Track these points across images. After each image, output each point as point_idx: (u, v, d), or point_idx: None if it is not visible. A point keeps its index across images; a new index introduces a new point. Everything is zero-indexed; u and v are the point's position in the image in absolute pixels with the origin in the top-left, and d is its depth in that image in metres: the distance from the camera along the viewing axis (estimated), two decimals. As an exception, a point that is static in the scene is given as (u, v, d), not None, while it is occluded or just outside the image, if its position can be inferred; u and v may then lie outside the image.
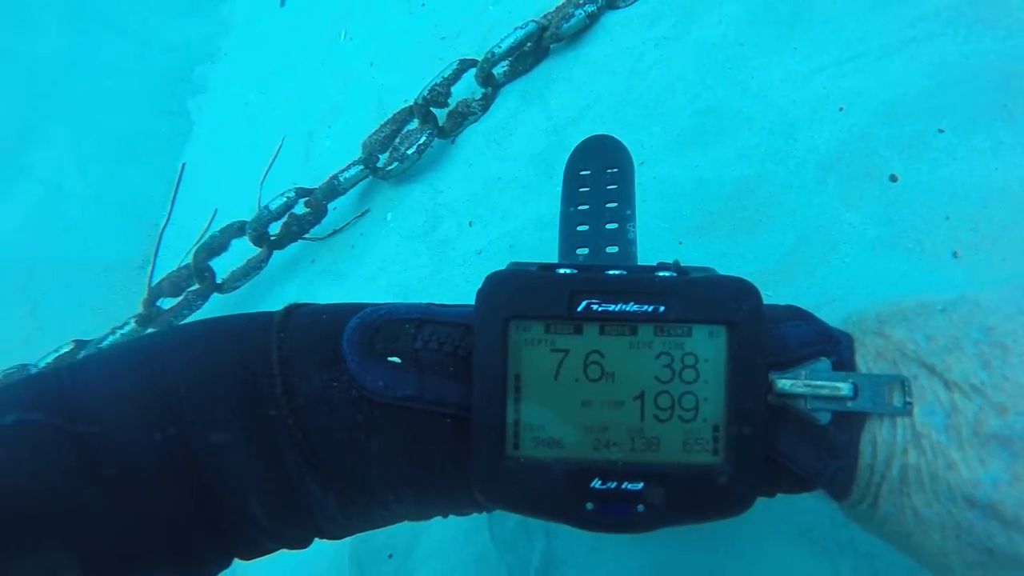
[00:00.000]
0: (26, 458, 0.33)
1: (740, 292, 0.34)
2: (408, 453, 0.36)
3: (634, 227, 0.52)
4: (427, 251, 0.96)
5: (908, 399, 0.33)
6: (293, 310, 0.39)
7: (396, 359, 0.36)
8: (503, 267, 0.37)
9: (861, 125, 0.76)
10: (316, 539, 0.40)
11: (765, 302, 0.76)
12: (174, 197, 1.54)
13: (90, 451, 0.33)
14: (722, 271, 0.84)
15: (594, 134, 0.60)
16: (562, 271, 0.36)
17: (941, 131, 0.72)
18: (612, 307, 0.34)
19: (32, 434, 0.33)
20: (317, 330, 0.37)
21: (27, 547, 0.32)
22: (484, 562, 0.71)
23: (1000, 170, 0.67)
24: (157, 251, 1.46)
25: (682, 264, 0.38)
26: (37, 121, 1.50)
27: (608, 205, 0.53)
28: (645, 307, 0.34)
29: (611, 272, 0.36)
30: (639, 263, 0.49)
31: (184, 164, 1.57)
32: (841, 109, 0.78)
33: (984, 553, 0.31)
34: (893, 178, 0.72)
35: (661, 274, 0.36)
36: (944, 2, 0.78)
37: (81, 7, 1.68)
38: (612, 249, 0.50)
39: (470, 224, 0.95)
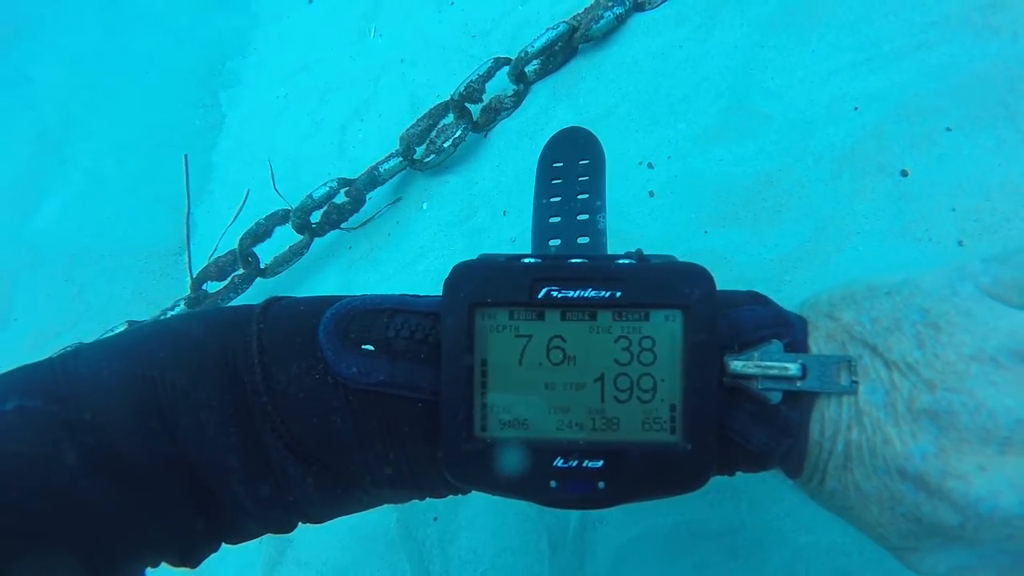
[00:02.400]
0: (30, 449, 0.35)
1: (694, 277, 0.36)
2: (382, 437, 0.37)
3: (604, 218, 0.53)
4: (463, 239, 1.02)
5: (854, 378, 0.34)
6: (273, 302, 0.41)
7: (370, 347, 0.37)
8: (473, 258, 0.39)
9: (874, 123, 0.82)
10: (300, 523, 0.42)
11: (783, 288, 0.81)
12: (188, 188, 1.59)
13: (84, 439, 0.35)
14: (743, 258, 0.89)
15: (566, 126, 0.62)
16: (526, 260, 0.37)
17: (949, 130, 0.78)
18: (571, 293, 0.36)
19: (32, 421, 0.35)
20: (295, 320, 0.39)
21: (29, 536, 0.34)
22: (525, 523, 0.78)
23: (1003, 166, 0.73)
24: (188, 240, 1.52)
25: (645, 252, 0.40)
26: (78, 113, 1.56)
27: (579, 197, 0.55)
28: (603, 293, 0.35)
29: (573, 260, 0.37)
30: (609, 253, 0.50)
31: (187, 155, 1.62)
32: (856, 108, 0.84)
33: (914, 523, 0.33)
34: (904, 173, 0.78)
35: (620, 262, 0.37)
36: (953, 8, 0.84)
37: (118, 4, 1.74)
38: (583, 240, 0.52)
39: (504, 213, 1.01)
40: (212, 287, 1.17)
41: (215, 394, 0.37)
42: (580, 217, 0.53)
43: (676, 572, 0.68)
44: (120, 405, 0.36)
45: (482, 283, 0.36)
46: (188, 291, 1.16)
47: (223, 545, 0.43)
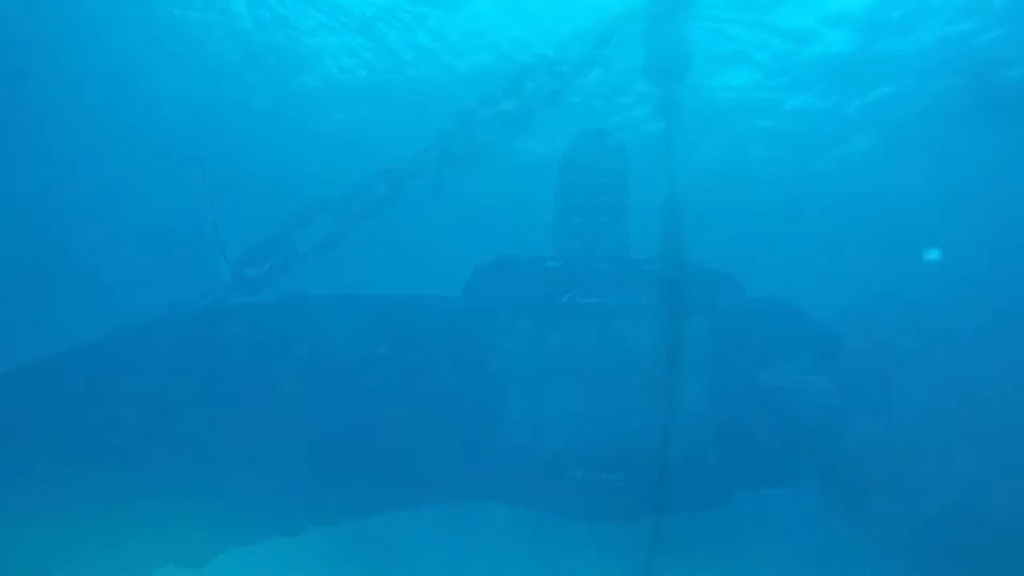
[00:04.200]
0: (39, 441, 0.38)
1: (723, 285, 0.39)
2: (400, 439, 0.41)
3: (627, 221, 0.55)
4: (499, 232, 1.05)
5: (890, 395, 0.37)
6: (290, 301, 0.45)
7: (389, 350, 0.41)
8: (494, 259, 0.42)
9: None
10: (308, 525, 0.45)
11: (816, 290, 0.85)
12: (207, 189, 1.63)
13: (96, 438, 0.39)
14: (777, 258, 0.93)
15: (592, 129, 0.65)
16: (549, 263, 0.41)
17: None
18: (597, 298, 0.39)
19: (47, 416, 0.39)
20: (311, 319, 0.42)
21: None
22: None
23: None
24: (218, 234, 1.55)
25: (675, 251, 0.42)
26: (120, 105, 1.61)
27: (603, 199, 0.57)
28: (629, 298, 0.39)
29: (597, 265, 0.40)
30: (632, 255, 0.52)
31: (202, 159, 1.64)
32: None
33: None
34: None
35: (646, 267, 0.40)
36: None
37: (151, 8, 1.79)
38: (605, 242, 0.54)
39: (541, 209, 1.04)
40: (251, 273, 1.20)
41: (228, 397, 0.38)
42: (603, 219, 0.54)
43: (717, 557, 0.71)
44: (133, 404, 0.38)
45: (505, 285, 0.38)
46: (227, 277, 1.19)
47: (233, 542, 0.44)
